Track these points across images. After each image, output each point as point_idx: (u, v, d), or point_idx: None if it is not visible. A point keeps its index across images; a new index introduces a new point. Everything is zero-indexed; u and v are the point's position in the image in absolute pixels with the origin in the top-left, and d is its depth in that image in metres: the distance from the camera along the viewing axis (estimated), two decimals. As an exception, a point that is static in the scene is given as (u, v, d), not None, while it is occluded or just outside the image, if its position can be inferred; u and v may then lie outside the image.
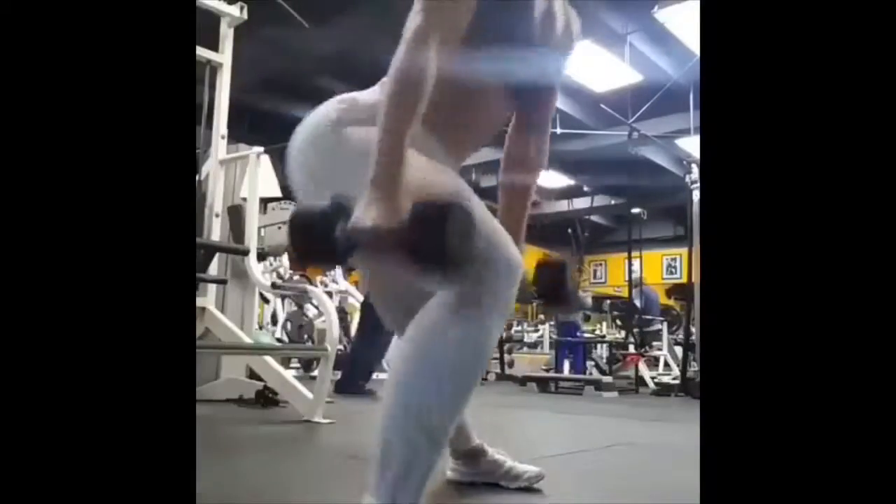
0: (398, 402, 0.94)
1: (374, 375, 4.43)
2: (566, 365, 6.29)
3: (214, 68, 3.20)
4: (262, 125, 7.74)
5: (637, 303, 7.28)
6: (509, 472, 1.45)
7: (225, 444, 2.09)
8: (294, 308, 6.74)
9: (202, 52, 3.04)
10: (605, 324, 9.37)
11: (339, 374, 4.29)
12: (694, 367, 5.35)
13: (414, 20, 0.97)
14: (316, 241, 0.86)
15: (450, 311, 0.94)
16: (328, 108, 1.13)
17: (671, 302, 8.23)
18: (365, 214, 0.84)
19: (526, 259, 1.09)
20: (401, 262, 0.85)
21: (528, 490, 1.43)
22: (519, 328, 9.91)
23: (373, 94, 1.13)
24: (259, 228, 3.39)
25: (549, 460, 1.64)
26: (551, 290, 1.29)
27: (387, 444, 0.93)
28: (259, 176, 3.04)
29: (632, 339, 7.04)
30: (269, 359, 2.87)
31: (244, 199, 3.19)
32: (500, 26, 1.13)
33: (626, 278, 7.23)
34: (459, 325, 0.93)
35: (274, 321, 6.87)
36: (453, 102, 1.08)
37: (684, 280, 7.94)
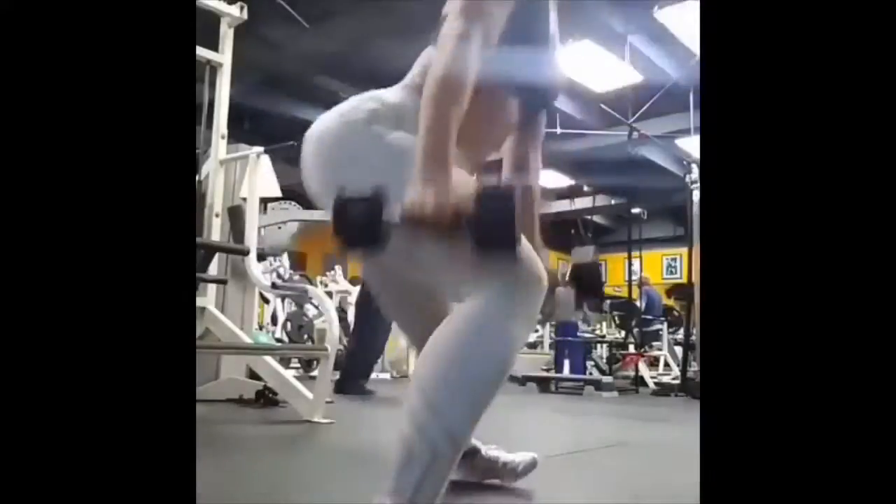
0: (425, 405, 0.94)
1: (374, 375, 4.42)
2: (566, 364, 6.28)
3: (214, 68, 3.19)
4: (262, 125, 7.74)
5: (639, 303, 7.28)
6: (504, 467, 1.44)
7: (225, 444, 2.09)
8: (294, 308, 6.74)
9: (202, 52, 3.03)
10: (605, 324, 9.36)
11: (338, 374, 4.29)
12: (694, 367, 5.35)
13: (455, 21, 0.99)
14: (361, 227, 0.90)
15: (479, 322, 0.96)
16: (355, 106, 1.11)
17: (671, 302, 8.24)
18: (421, 197, 0.88)
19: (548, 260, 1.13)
20: (457, 242, 0.89)
21: (528, 487, 1.43)
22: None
23: (398, 94, 1.13)
24: (259, 228, 3.39)
25: (549, 460, 1.64)
26: (588, 286, 1.34)
27: (409, 445, 0.93)
28: (259, 176, 3.04)
29: (632, 339, 7.03)
30: (268, 359, 2.87)
31: (244, 199, 3.19)
32: (527, 29, 1.14)
33: (626, 278, 7.23)
34: (488, 337, 0.95)
35: (274, 321, 6.87)
36: (473, 109, 1.03)
37: (684, 280, 7.95)
